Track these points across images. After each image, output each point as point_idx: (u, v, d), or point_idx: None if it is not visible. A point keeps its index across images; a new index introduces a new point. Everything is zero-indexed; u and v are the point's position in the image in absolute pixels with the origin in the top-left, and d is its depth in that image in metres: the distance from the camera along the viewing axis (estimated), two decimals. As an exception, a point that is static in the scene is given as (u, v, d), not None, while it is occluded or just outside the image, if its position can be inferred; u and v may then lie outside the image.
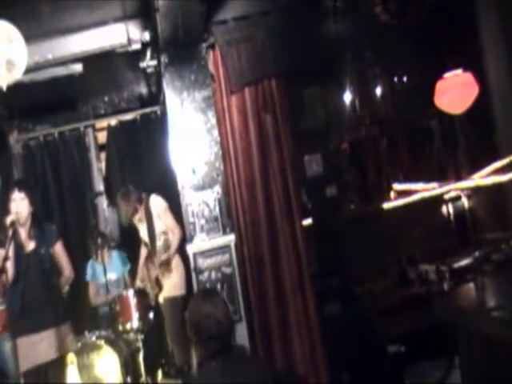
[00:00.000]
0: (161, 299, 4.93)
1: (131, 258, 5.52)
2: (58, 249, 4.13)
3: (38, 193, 4.66)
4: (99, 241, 5.23)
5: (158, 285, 4.89)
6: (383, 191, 7.03)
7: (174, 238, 4.73)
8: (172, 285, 4.84)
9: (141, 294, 4.86)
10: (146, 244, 5.08)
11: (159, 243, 4.85)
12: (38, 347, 3.84)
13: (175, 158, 4.29)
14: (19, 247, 3.90)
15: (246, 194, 4.23)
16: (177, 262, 4.83)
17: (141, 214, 4.94)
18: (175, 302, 4.79)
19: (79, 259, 5.53)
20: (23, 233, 3.97)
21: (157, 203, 4.85)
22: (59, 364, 4.03)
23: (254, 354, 3.90)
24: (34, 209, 4.00)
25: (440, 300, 4.15)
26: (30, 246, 3.98)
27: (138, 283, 5.08)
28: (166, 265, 4.84)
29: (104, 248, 5.33)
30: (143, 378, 4.72)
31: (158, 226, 4.87)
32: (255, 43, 4.22)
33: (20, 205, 3.91)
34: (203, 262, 4.11)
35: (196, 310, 2.71)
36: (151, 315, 4.94)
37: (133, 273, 5.42)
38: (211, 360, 2.63)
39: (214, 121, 4.23)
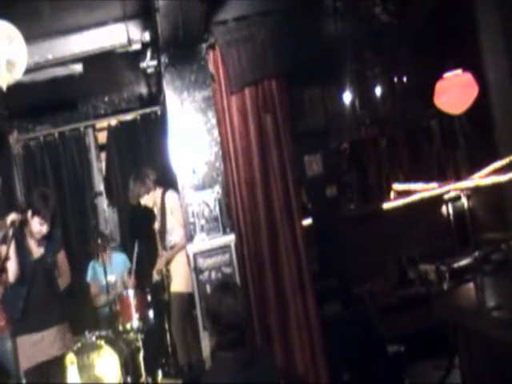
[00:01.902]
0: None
1: (132, 256, 5.53)
2: (61, 256, 4.16)
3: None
4: (99, 241, 5.24)
5: (168, 277, 4.99)
6: (383, 191, 7.04)
7: (184, 235, 4.73)
8: (178, 281, 4.91)
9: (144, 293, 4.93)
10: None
11: (170, 238, 4.97)
12: (38, 346, 3.85)
13: (175, 158, 4.29)
14: (27, 253, 3.91)
15: (245, 194, 4.22)
16: (183, 259, 4.84)
17: (154, 204, 5.06)
18: (181, 298, 4.86)
19: (79, 259, 5.55)
20: (33, 240, 3.97)
21: (172, 199, 4.93)
22: (60, 364, 4.03)
23: (263, 350, 3.88)
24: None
25: (440, 300, 4.15)
26: (38, 252, 3.98)
27: (155, 276, 5.16)
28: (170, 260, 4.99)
29: (104, 248, 5.34)
30: (143, 378, 4.73)
31: (170, 222, 4.95)
32: (255, 43, 4.22)
33: (43, 229, 3.91)
34: (203, 262, 4.11)
35: (217, 300, 2.79)
36: (151, 315, 4.95)
37: (135, 272, 5.44)
38: (228, 350, 2.69)
39: (214, 121, 4.23)
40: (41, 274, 3.94)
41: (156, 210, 5.11)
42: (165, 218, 4.98)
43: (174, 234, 4.98)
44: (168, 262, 5.02)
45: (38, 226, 3.89)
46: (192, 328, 4.85)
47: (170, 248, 5.02)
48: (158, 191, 5.05)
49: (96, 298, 5.42)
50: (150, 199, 5.07)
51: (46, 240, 4.00)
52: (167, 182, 5.13)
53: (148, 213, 5.21)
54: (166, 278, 5.02)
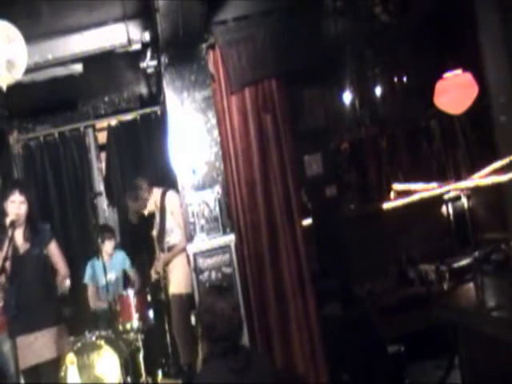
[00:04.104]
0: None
1: (133, 256, 5.54)
2: (53, 248, 4.10)
3: (34, 192, 4.66)
4: (104, 236, 5.24)
5: (166, 278, 4.96)
6: (383, 191, 7.04)
7: (183, 237, 4.72)
8: (177, 283, 4.90)
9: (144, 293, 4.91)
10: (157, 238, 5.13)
11: (168, 238, 4.93)
12: (32, 347, 3.83)
13: (175, 158, 4.29)
14: (14, 249, 3.89)
15: (246, 194, 4.22)
16: (181, 261, 4.84)
17: (154, 207, 5.03)
18: (180, 299, 4.84)
19: (79, 259, 5.54)
20: (18, 234, 3.95)
21: (173, 199, 4.90)
22: (53, 366, 4.01)
23: (260, 353, 3.87)
24: (30, 209, 3.98)
25: (440, 300, 4.15)
26: (24, 247, 3.96)
27: (153, 275, 5.13)
28: (168, 262, 4.96)
29: (111, 241, 5.33)
30: (143, 378, 4.73)
31: (170, 222, 4.93)
32: (255, 43, 4.22)
33: (20, 207, 3.90)
34: (203, 262, 4.11)
35: (209, 307, 2.74)
36: (151, 315, 4.94)
37: (136, 270, 5.45)
38: (220, 359, 2.67)
39: (214, 121, 4.23)
40: (28, 268, 3.90)
41: (156, 211, 5.09)
42: (164, 218, 4.95)
43: (173, 236, 4.94)
44: (166, 264, 4.99)
45: (13, 208, 3.86)
46: (192, 329, 4.85)
47: (168, 249, 4.98)
48: (158, 192, 5.02)
49: (93, 301, 5.39)
50: (151, 205, 5.06)
51: (31, 233, 3.98)
52: (167, 181, 5.13)
53: (148, 215, 5.20)
54: (163, 280, 4.99)
